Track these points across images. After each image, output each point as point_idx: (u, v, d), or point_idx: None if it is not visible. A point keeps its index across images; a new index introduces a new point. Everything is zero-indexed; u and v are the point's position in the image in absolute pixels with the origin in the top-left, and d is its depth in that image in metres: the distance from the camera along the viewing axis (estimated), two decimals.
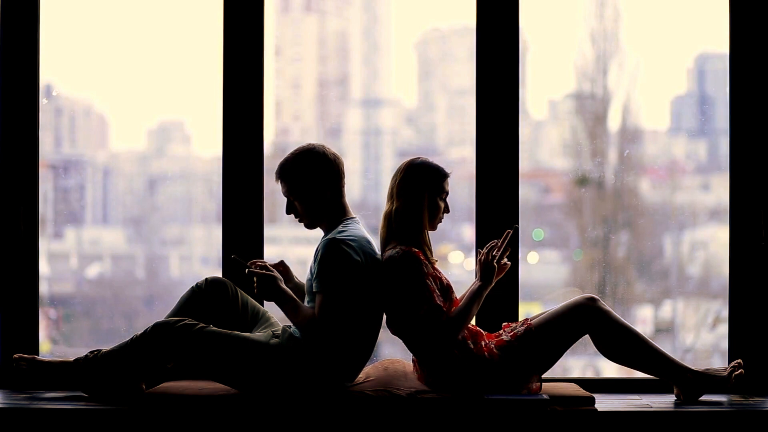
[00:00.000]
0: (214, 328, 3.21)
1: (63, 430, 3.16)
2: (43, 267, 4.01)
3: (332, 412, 3.14)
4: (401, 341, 3.31)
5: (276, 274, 3.24)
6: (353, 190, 4.13)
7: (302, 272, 3.43)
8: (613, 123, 4.35)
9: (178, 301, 3.40)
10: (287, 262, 3.46)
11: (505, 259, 3.30)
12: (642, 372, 3.36)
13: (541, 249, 4.42)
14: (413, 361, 3.37)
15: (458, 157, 4.53)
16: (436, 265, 3.31)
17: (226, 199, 3.80)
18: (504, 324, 3.39)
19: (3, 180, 3.81)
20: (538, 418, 3.12)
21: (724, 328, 3.93)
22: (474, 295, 3.22)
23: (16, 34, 3.83)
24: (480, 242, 3.72)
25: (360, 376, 3.35)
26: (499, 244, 3.29)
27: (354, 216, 3.35)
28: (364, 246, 3.24)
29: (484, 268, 3.24)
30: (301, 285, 3.43)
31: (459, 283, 3.39)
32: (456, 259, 4.44)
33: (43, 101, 3.91)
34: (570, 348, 3.28)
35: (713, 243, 4.40)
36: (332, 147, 3.36)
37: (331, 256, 3.17)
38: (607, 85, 4.34)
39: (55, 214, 4.41)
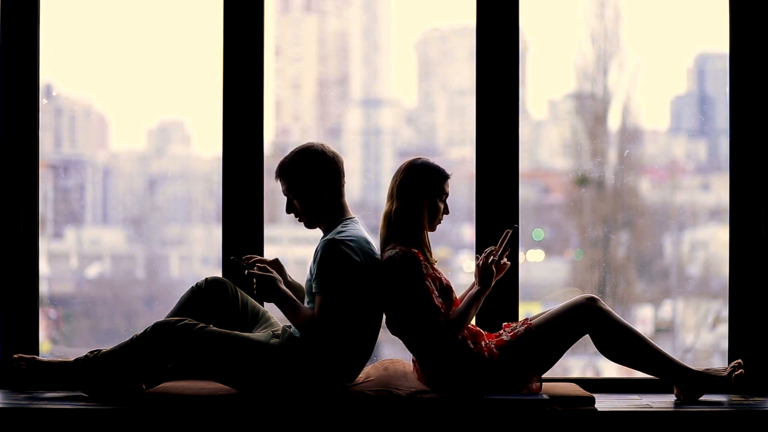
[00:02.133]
0: (214, 328, 3.21)
1: (63, 430, 3.16)
2: (43, 267, 4.00)
3: (332, 412, 3.14)
4: (401, 341, 3.31)
5: (275, 275, 3.23)
6: (353, 190, 4.12)
7: (301, 273, 3.43)
8: (613, 123, 4.35)
9: (178, 301, 3.40)
10: (287, 263, 3.46)
11: (505, 259, 3.31)
12: (642, 372, 3.36)
13: (541, 249, 4.42)
14: (413, 361, 3.37)
15: (458, 157, 4.53)
16: (436, 266, 3.31)
17: (226, 199, 3.80)
18: (504, 324, 3.39)
19: (3, 180, 3.81)
20: (538, 418, 3.11)
21: (724, 328, 3.92)
22: (473, 299, 3.23)
23: (16, 34, 3.83)
24: (480, 242, 3.71)
25: (360, 376, 3.35)
26: (499, 243, 3.29)
27: (353, 216, 3.35)
28: (363, 246, 3.24)
29: (483, 273, 3.25)
30: (296, 283, 3.44)
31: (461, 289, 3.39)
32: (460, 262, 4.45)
33: (43, 101, 3.91)
34: (570, 348, 3.28)
35: (713, 243, 4.40)
36: (332, 147, 3.36)
37: (330, 256, 3.17)
38: (607, 85, 4.33)
39: (55, 214, 4.41)
